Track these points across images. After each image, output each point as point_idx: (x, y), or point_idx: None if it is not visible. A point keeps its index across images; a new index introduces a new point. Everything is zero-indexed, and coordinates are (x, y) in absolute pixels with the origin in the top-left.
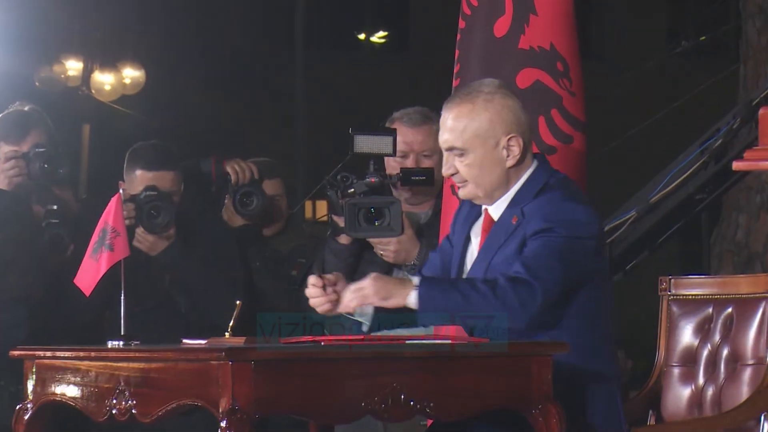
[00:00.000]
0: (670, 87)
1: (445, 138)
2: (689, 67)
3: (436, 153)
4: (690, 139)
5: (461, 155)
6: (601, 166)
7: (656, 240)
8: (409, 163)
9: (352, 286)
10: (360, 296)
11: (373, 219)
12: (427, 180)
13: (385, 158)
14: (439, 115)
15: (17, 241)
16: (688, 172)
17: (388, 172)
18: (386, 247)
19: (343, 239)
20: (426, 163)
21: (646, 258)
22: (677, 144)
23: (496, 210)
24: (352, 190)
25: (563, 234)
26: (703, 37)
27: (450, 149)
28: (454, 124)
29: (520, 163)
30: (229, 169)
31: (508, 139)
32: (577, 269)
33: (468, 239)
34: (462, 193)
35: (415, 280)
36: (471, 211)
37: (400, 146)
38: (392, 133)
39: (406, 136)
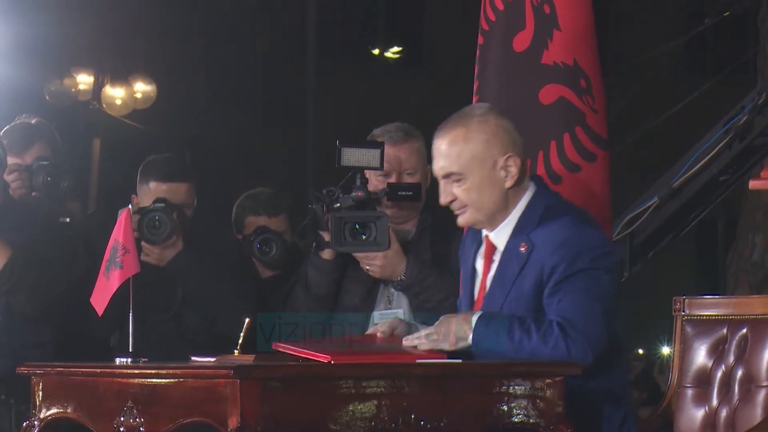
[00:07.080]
0: (691, 76)
1: (441, 165)
2: (710, 54)
3: (419, 170)
4: (708, 129)
5: (459, 180)
6: (620, 162)
7: (680, 224)
8: (392, 181)
9: (424, 332)
10: (432, 342)
11: (359, 233)
12: (414, 195)
13: (368, 175)
14: (422, 132)
15: (27, 258)
16: (713, 153)
17: (370, 189)
18: (372, 261)
19: (326, 254)
20: (409, 181)
21: (663, 267)
22: (697, 136)
23: (497, 236)
24: (338, 204)
25: (590, 267)
26: (727, 13)
27: (447, 176)
28: (449, 149)
29: (518, 185)
30: None
31: (506, 159)
32: (610, 299)
33: (474, 270)
34: (461, 219)
35: (474, 318)
36: (473, 241)
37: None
38: (380, 146)
39: (389, 154)
